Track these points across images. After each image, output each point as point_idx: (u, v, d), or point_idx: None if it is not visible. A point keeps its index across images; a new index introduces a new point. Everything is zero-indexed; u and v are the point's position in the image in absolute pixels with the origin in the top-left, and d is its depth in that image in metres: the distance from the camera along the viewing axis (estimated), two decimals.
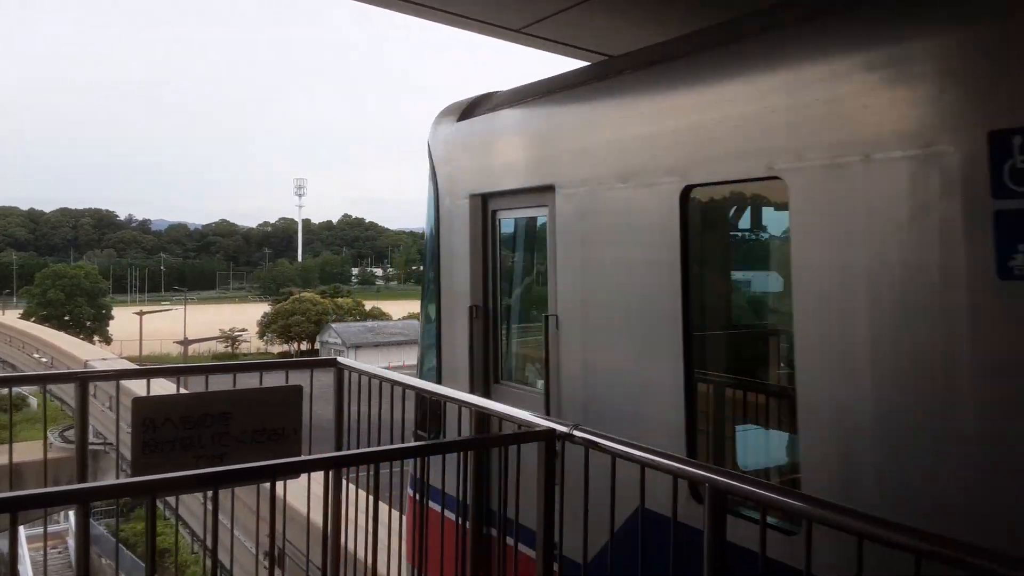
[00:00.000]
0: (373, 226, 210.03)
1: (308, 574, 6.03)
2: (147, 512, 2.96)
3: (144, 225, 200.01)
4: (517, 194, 5.97)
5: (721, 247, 5.15)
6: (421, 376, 6.84)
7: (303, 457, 4.59)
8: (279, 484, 3.53)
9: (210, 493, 3.25)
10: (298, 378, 5.28)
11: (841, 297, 3.56)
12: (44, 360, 39.78)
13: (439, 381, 6.38)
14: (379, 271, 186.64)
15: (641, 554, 3.55)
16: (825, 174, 3.66)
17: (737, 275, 5.43)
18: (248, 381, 5.35)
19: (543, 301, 5.77)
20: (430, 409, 5.70)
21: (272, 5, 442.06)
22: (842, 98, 3.64)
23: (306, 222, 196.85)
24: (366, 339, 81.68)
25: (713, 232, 5.03)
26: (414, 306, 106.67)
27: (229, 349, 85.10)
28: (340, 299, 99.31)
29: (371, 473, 3.88)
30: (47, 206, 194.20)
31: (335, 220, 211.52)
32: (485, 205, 6.31)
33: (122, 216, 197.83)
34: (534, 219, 6.13)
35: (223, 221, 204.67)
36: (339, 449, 5.48)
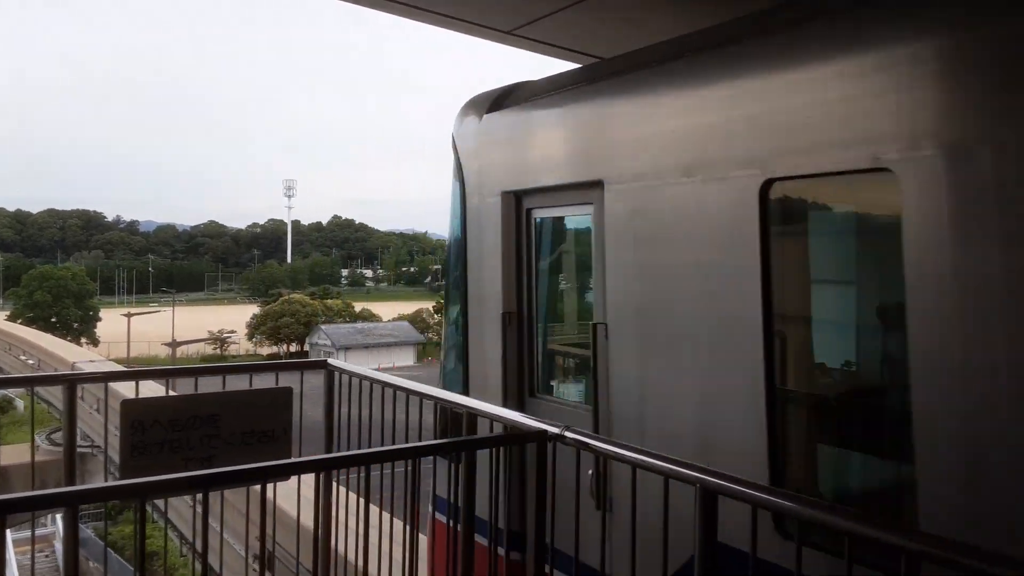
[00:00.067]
0: (363, 227, 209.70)
1: None
2: (136, 515, 2.94)
3: (132, 226, 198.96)
4: (556, 191, 5.46)
5: (810, 249, 4.40)
6: (444, 387, 6.26)
7: (293, 459, 4.57)
8: (269, 486, 3.52)
9: (199, 496, 3.23)
10: (288, 380, 5.26)
11: (968, 306, 3.10)
12: (31, 362, 39.51)
13: (466, 393, 5.81)
14: (369, 272, 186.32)
15: None
16: (947, 164, 3.18)
17: (827, 280, 4.56)
18: (238, 383, 5.33)
19: (587, 308, 5.34)
20: (452, 420, 5.02)
21: (267, 5, 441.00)
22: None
23: (295, 223, 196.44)
24: (356, 341, 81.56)
25: (800, 232, 4.38)
26: (404, 307, 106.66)
27: (218, 351, 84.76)
28: (330, 301, 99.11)
29: (361, 475, 3.87)
30: (34, 207, 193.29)
31: (325, 221, 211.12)
32: (519, 203, 5.78)
33: (110, 217, 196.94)
34: (576, 218, 5.60)
35: (212, 222, 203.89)
36: (329, 451, 5.46)
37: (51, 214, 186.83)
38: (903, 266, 3.31)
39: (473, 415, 4.41)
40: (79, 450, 5.87)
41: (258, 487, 3.48)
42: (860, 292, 4.21)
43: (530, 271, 5.73)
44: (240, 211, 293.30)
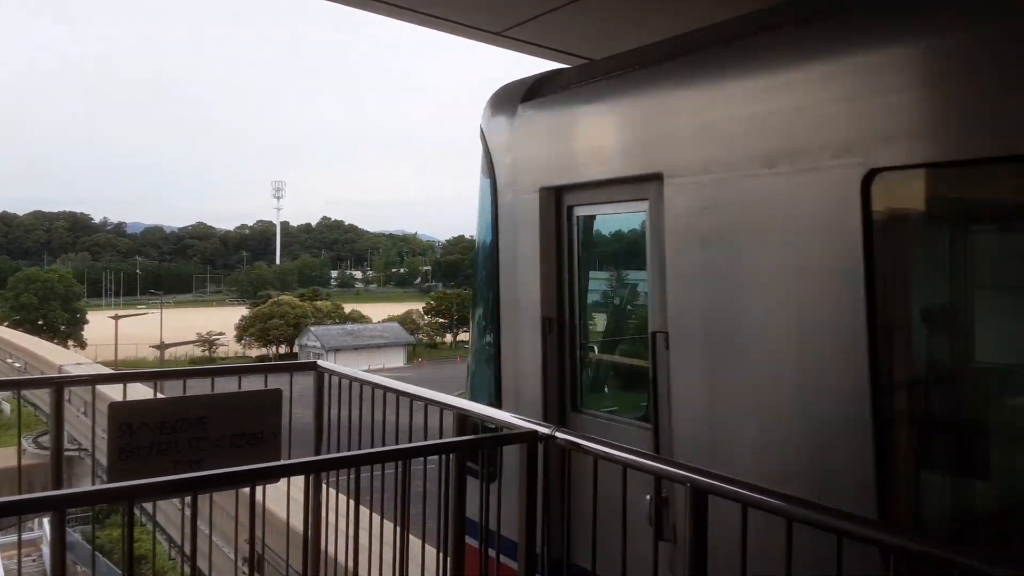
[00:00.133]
0: (353, 228, 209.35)
1: None
2: (124, 518, 2.92)
3: (119, 228, 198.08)
4: (603, 186, 4.95)
5: (928, 249, 3.76)
6: (472, 398, 5.75)
7: (282, 462, 4.55)
8: (258, 489, 3.50)
9: (188, 499, 3.21)
10: (277, 382, 5.24)
11: None
12: (17, 365, 39.13)
13: (498, 406, 5.34)
14: (359, 274, 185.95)
15: None
16: None
17: (950, 286, 3.83)
18: (226, 385, 5.30)
19: (639, 314, 4.87)
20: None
21: (259, 5, 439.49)
22: None
23: (284, 224, 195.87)
24: (345, 342, 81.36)
25: (915, 230, 3.77)
26: (393, 309, 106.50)
27: (206, 353, 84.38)
28: (319, 302, 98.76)
29: (351, 477, 3.85)
30: (20, 208, 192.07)
31: (314, 222, 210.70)
32: (559, 200, 5.27)
33: (97, 219, 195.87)
34: (626, 216, 5.11)
35: (200, 224, 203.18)
36: (319, 453, 5.44)
37: (37, 216, 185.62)
38: None
39: (463, 416, 4.40)
40: (67, 454, 5.84)
41: (247, 490, 3.46)
42: (992, 300, 3.59)
43: (571, 273, 5.23)
44: (229, 212, 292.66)
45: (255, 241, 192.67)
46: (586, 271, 5.30)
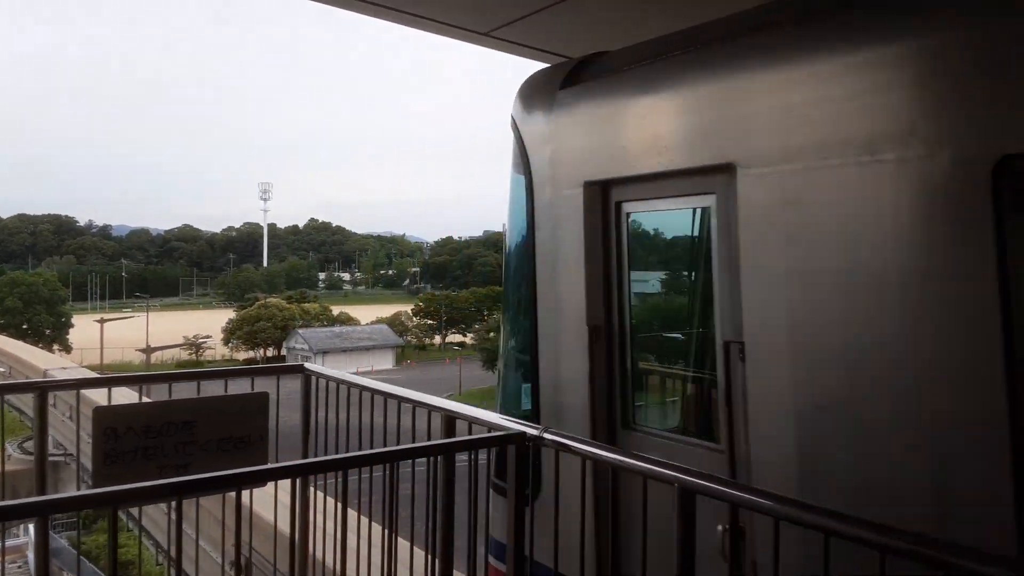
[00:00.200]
0: (340, 230, 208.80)
1: None
2: (109, 524, 2.89)
3: (105, 231, 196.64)
4: (659, 179, 4.45)
5: None
6: (504, 412, 5.18)
7: (268, 465, 4.53)
8: (245, 492, 3.48)
9: (173, 503, 3.20)
10: (264, 385, 5.21)
11: None
12: (1, 370, 38.83)
13: (536, 420, 4.84)
14: (347, 276, 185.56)
15: None
16: None
17: None
18: (213, 389, 5.27)
19: (705, 322, 4.35)
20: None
21: (249, 6, 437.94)
22: None
23: (272, 227, 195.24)
24: (334, 344, 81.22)
25: None
26: (382, 310, 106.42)
27: (193, 356, 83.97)
28: (307, 304, 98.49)
29: (339, 480, 3.83)
30: (4, 211, 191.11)
31: (301, 224, 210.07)
32: (606, 195, 4.79)
33: (82, 222, 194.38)
34: (688, 211, 4.55)
35: (186, 226, 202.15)
36: (306, 456, 5.42)
37: (22, 219, 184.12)
38: None
39: (451, 418, 4.39)
40: (53, 459, 5.78)
41: (234, 493, 3.44)
42: None
43: (621, 276, 4.74)
44: (215, 215, 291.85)
45: (242, 243, 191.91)
46: (637, 274, 4.81)
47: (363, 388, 5.07)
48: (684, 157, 4.23)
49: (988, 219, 2.97)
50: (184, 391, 5.13)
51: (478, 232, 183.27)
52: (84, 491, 4.45)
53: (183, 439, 4.57)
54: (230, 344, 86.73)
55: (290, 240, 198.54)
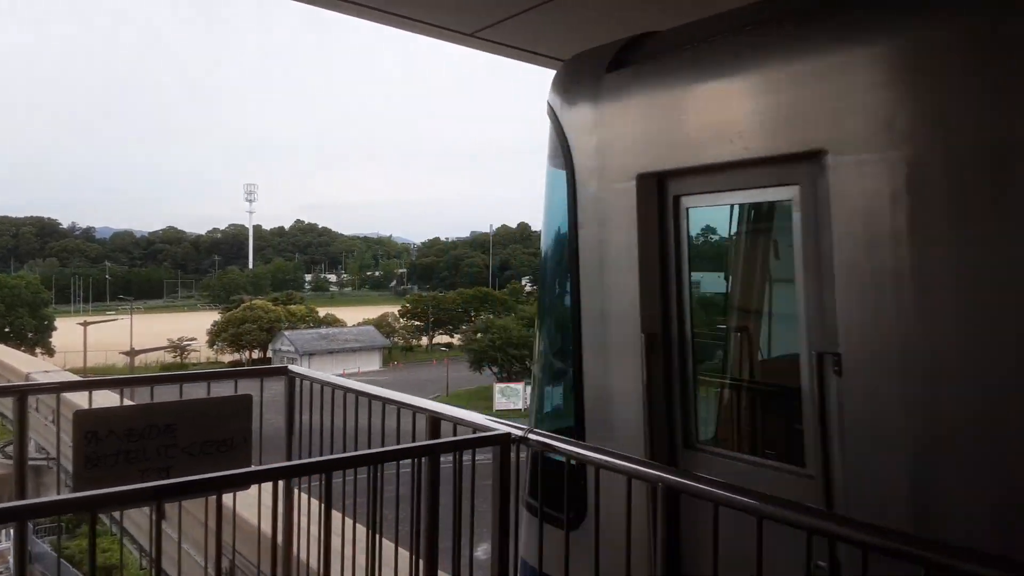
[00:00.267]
0: (326, 231, 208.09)
1: None
2: (89, 528, 2.86)
3: (88, 233, 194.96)
4: (727, 169, 3.97)
5: None
6: (539, 426, 4.76)
7: (251, 468, 4.50)
8: (229, 496, 3.45)
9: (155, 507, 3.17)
10: (248, 387, 5.18)
11: None
12: None
13: (580, 437, 4.45)
14: (333, 277, 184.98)
15: None
16: None
17: None
18: (196, 391, 5.23)
19: (785, 329, 3.92)
20: (553, 469, 3.80)
21: (223, 9, 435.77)
22: None
23: (257, 228, 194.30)
24: (320, 346, 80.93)
25: None
26: (369, 312, 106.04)
27: (178, 359, 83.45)
28: (293, 306, 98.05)
29: (323, 483, 3.82)
30: None
31: (287, 226, 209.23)
32: (663, 188, 4.30)
33: (65, 224, 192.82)
34: (764, 205, 4.08)
35: (170, 228, 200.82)
36: (290, 458, 5.39)
37: (3, 221, 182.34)
38: None
39: (436, 419, 4.38)
40: (35, 463, 5.71)
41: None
42: None
43: (680, 279, 4.25)
44: (200, 217, 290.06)
45: (227, 245, 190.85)
46: (698, 275, 4.34)
47: (347, 390, 5.05)
48: (761, 144, 3.73)
49: None
50: (167, 394, 5.09)
51: (465, 233, 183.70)
52: (64, 495, 4.40)
53: (165, 442, 4.54)
54: (215, 346, 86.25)
55: (276, 242, 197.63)
